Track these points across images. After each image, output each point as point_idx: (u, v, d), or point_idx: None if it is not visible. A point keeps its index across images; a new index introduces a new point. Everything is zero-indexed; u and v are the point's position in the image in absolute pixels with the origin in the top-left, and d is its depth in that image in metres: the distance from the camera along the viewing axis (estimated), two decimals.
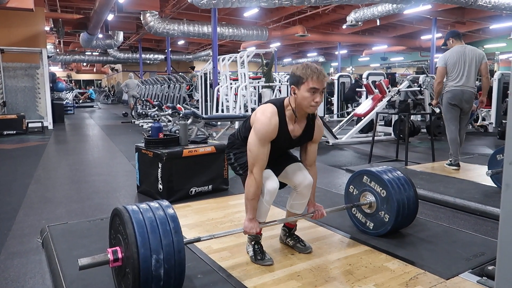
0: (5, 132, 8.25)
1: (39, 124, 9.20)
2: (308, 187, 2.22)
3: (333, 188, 4.02)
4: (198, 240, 2.03)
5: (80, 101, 20.69)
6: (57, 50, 21.35)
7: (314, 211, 2.28)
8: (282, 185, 2.25)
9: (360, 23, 12.95)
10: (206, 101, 11.06)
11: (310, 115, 2.13)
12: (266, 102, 2.14)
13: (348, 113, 10.88)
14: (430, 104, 7.61)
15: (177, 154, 3.53)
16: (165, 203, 1.84)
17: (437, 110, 7.70)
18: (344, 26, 14.45)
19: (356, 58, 29.06)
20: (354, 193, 2.63)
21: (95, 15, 12.23)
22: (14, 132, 8.39)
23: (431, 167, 4.63)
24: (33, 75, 9.87)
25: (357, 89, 10.74)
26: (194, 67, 18.21)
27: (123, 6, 12.45)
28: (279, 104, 2.07)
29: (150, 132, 3.84)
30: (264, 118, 2.02)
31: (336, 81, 12.10)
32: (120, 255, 1.74)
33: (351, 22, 12.81)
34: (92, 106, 19.67)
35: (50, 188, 4.21)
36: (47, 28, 13.15)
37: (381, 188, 2.46)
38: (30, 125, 8.96)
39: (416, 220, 2.89)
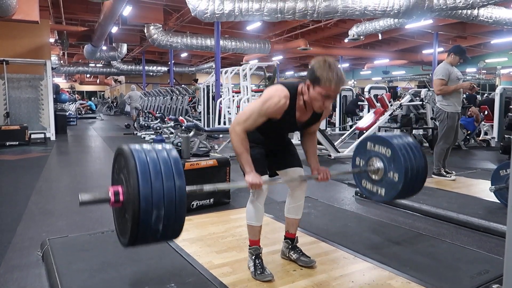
0: (7, 143, 8.27)
1: (42, 135, 9.22)
2: (302, 193, 2.30)
3: (335, 202, 3.99)
4: (201, 189, 1.98)
5: (83, 112, 20.81)
6: (61, 61, 21.52)
7: (319, 174, 2.21)
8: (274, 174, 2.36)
9: (362, 37, 13.05)
10: (208, 113, 11.09)
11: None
12: (278, 83, 2.14)
13: (351, 126, 10.90)
14: (432, 118, 7.62)
15: None
16: (174, 152, 1.72)
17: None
18: (346, 40, 14.55)
19: (358, 72, 29.20)
20: (361, 164, 2.49)
21: (100, 28, 12.37)
22: (17, 143, 8.40)
23: (434, 181, 4.61)
24: (37, 86, 9.93)
25: (359, 102, 10.77)
26: (197, 79, 18.31)
27: (127, 19, 12.62)
28: (293, 91, 2.05)
29: None
30: (277, 95, 2.01)
31: (337, 95, 12.14)
32: (121, 198, 1.67)
33: (353, 36, 12.90)
34: (94, 118, 19.76)
35: (51, 200, 4.20)
36: (51, 40, 13.31)
37: (385, 148, 2.33)
38: (32, 136, 8.98)
39: (420, 236, 2.87)
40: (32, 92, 9.94)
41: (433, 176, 4.74)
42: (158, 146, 1.73)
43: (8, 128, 8.55)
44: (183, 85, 15.73)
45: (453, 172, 4.84)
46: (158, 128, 8.37)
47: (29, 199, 4.13)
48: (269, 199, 4.08)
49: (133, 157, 1.61)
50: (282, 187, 4.75)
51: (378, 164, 2.38)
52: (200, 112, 12.22)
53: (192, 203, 3.57)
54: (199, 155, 3.85)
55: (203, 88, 11.40)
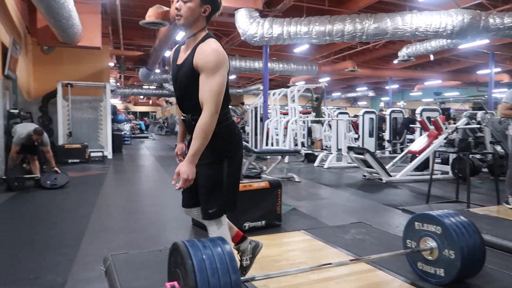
0: (69, 161, 8.82)
1: (100, 154, 9.76)
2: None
3: (389, 229, 3.86)
4: (253, 279, 2.01)
5: (137, 132, 21.83)
6: (118, 84, 22.82)
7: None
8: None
9: (412, 58, 12.77)
10: (256, 134, 11.24)
11: (200, 41, 1.86)
12: None
13: (401, 148, 10.58)
14: (491, 143, 7.23)
15: None
16: (226, 245, 1.78)
17: (498, 148, 7.29)
18: (395, 61, 14.30)
19: (408, 93, 28.43)
20: (413, 246, 2.50)
21: (155, 52, 13.04)
22: (78, 160, 8.94)
23: (496, 210, 4.35)
24: (97, 108, 10.60)
25: (410, 124, 10.46)
26: (244, 102, 18.70)
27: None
28: None
29: None
30: None
31: (388, 116, 11.89)
32: None
33: (403, 57, 12.66)
34: (147, 137, 20.62)
35: (110, 217, 4.42)
36: (111, 64, 14.19)
37: (434, 226, 2.36)
38: (92, 154, 9.52)
39: (483, 270, 2.71)
40: (92, 113, 10.63)
41: (504, 204, 4.45)
42: (210, 241, 1.78)
43: (70, 147, 9.15)
44: (230, 106, 16.12)
45: None
46: None
47: (90, 216, 4.37)
48: (320, 223, 4.04)
49: (188, 251, 1.68)
50: (331, 207, 4.69)
51: (430, 243, 2.38)
52: (248, 134, 12.41)
53: (244, 224, 3.62)
54: (251, 177, 3.91)
55: (251, 110, 11.60)
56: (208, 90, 1.78)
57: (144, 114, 38.45)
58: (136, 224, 4.15)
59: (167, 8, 9.08)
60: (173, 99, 31.09)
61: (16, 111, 7.29)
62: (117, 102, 33.61)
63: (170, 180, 6.96)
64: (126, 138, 15.36)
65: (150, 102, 37.48)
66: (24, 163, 6.42)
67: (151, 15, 8.54)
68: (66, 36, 8.17)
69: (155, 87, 25.52)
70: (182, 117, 2.04)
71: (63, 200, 5.32)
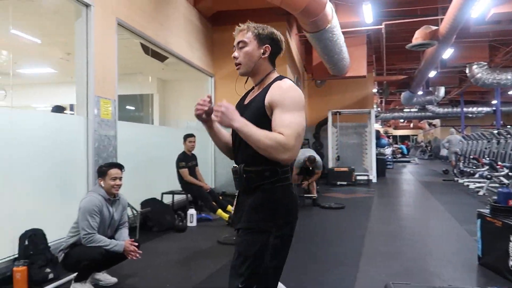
0: (338, 182, 9.54)
1: (365, 177, 10.11)
2: None
3: None
4: None
5: (398, 156, 21.53)
6: (379, 109, 23.28)
7: None
8: None
9: None
10: None
11: (273, 80, 1.63)
12: None
13: None
14: None
15: None
16: None
17: None
18: None
19: None
20: None
21: (419, 74, 12.60)
22: (345, 183, 9.57)
23: None
24: (361, 133, 11.13)
25: None
26: None
27: (447, 61, 12.28)
28: None
29: (496, 197, 3.43)
30: None
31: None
32: None
33: None
34: (408, 161, 19.98)
35: (383, 242, 4.43)
36: (373, 90, 14.65)
37: None
38: (357, 177, 9.97)
39: None
40: (356, 138, 11.30)
41: None
42: None
43: (339, 170, 9.91)
44: (509, 126, 13.64)
45: None
46: (488, 176, 7.48)
47: (364, 238, 4.51)
48: None
49: None
50: None
51: None
52: None
53: None
54: None
55: None
56: (286, 125, 1.48)
57: (404, 138, 37.58)
58: (411, 252, 4.00)
59: (435, 27, 8.63)
60: (436, 121, 29.19)
61: None
62: (378, 127, 34.24)
63: (441, 208, 6.44)
64: (388, 162, 15.35)
65: (411, 125, 36.31)
66: (303, 184, 7.34)
67: (418, 37, 8.31)
68: (336, 69, 8.98)
69: (416, 110, 24.59)
70: (233, 168, 1.69)
71: (337, 220, 5.73)
